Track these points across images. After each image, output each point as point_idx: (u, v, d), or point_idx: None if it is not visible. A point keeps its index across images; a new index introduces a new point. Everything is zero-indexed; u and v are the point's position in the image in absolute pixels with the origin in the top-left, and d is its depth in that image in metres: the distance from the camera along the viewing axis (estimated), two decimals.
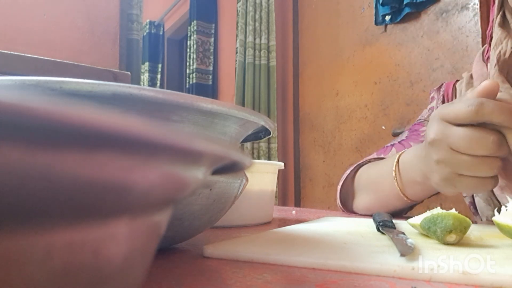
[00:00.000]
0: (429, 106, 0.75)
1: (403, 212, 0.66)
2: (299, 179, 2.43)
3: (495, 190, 0.57)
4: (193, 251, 0.32)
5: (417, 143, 0.72)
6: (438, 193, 0.56)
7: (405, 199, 0.57)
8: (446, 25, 1.70)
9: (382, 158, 0.69)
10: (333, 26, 2.26)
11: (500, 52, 0.55)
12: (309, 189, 2.38)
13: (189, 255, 0.31)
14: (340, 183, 0.72)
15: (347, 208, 0.72)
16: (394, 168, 0.57)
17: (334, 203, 0.72)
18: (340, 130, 2.19)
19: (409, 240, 0.31)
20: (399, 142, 0.72)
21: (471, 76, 0.67)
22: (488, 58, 0.60)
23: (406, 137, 0.73)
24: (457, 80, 0.73)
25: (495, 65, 0.55)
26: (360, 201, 0.67)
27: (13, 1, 1.55)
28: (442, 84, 0.75)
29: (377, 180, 0.63)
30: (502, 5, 0.57)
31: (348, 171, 0.72)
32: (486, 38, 0.62)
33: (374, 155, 0.73)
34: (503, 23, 0.56)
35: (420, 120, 0.75)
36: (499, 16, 0.57)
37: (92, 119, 0.08)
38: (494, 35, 0.57)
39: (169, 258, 0.30)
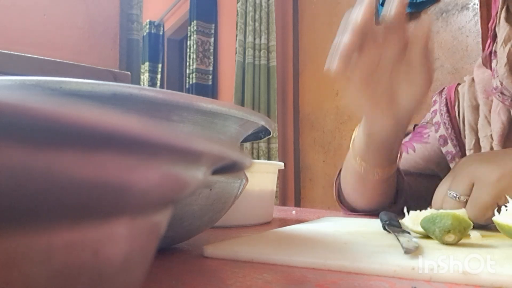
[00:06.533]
0: (432, 109, 0.74)
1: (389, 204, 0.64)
2: (299, 179, 2.43)
3: None
4: (193, 251, 0.32)
5: (420, 144, 0.72)
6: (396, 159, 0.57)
7: (360, 164, 0.56)
8: (446, 25, 1.70)
9: None
10: (333, 26, 2.26)
11: (510, 50, 0.52)
12: (309, 189, 2.38)
13: (189, 255, 0.31)
14: (334, 183, 0.72)
15: (343, 204, 0.71)
16: (350, 145, 0.58)
17: (334, 203, 0.73)
18: (340, 130, 2.19)
19: (414, 239, 0.31)
20: (402, 143, 0.71)
21: (473, 79, 0.67)
22: (490, 53, 0.57)
23: (410, 138, 0.73)
24: (458, 84, 0.73)
25: (505, 64, 0.53)
26: (345, 194, 0.67)
27: (13, 1, 1.55)
28: (443, 88, 0.75)
29: (345, 166, 0.64)
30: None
31: (339, 170, 0.72)
32: (486, 39, 0.61)
33: None
34: (508, 18, 0.54)
35: (423, 123, 0.75)
36: (503, 11, 0.54)
37: (92, 119, 0.08)
38: (500, 30, 0.54)
39: (169, 258, 0.30)
